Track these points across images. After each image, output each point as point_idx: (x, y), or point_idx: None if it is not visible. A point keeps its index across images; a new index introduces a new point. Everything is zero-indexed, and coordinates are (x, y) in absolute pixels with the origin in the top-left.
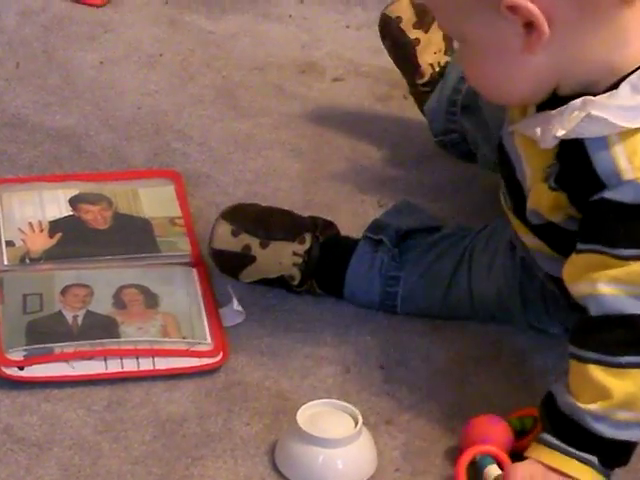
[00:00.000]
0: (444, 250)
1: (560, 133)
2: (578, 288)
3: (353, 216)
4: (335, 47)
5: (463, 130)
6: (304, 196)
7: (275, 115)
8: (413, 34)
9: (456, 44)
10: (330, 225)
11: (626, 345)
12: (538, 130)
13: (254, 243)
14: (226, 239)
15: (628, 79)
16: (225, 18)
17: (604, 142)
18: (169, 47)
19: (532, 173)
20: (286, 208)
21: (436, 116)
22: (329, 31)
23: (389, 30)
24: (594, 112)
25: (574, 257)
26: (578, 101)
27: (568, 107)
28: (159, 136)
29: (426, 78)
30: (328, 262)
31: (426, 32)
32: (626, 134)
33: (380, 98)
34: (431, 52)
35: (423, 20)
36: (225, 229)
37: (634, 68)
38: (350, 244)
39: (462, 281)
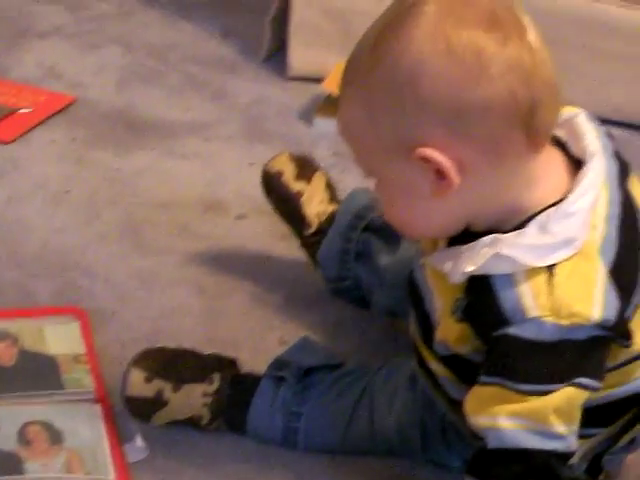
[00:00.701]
0: (345, 387)
1: (469, 269)
2: (478, 420)
3: (256, 353)
4: (239, 185)
5: (356, 277)
6: (207, 333)
7: (179, 252)
8: (296, 186)
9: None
10: (234, 362)
11: (521, 478)
12: (449, 265)
13: (166, 388)
14: (139, 386)
15: (536, 219)
16: (131, 155)
17: (510, 279)
18: (76, 184)
19: (442, 305)
20: (190, 345)
21: (328, 263)
22: (233, 169)
23: (272, 186)
24: (502, 251)
25: (476, 389)
26: (488, 238)
27: (478, 243)
28: (65, 273)
29: (313, 228)
30: (234, 400)
31: (308, 183)
32: (532, 272)
33: (283, 236)
34: (316, 202)
35: (304, 172)
36: (137, 376)
37: (541, 208)
38: (254, 381)
39: (363, 417)
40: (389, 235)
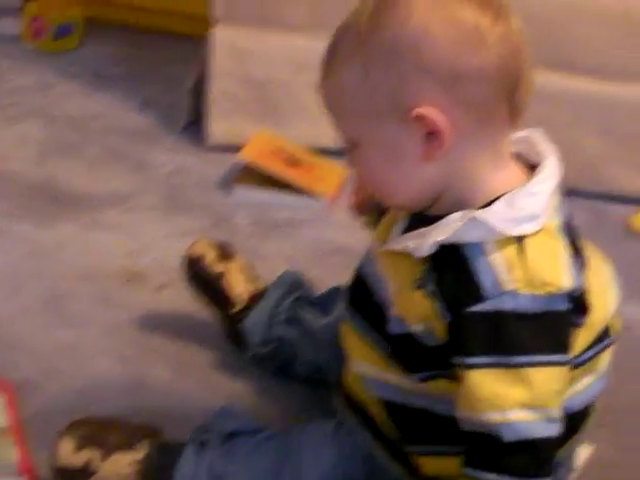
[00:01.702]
0: (269, 448)
1: (440, 238)
2: (486, 417)
3: (181, 420)
4: (160, 255)
5: (281, 342)
6: (133, 402)
7: (102, 323)
8: (218, 268)
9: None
10: (160, 430)
11: (530, 466)
12: (411, 243)
13: (95, 457)
14: (69, 456)
15: (502, 197)
16: (53, 227)
17: (482, 249)
18: None
19: (398, 288)
20: (116, 414)
21: (255, 329)
22: (154, 239)
23: (195, 270)
24: (479, 216)
25: (472, 379)
26: (457, 213)
27: (448, 218)
28: None
29: (238, 306)
30: (161, 466)
31: (229, 264)
32: (503, 243)
33: (204, 306)
34: (238, 281)
35: (225, 253)
36: (67, 446)
37: (504, 192)
38: (179, 447)
39: (288, 477)
40: (320, 304)
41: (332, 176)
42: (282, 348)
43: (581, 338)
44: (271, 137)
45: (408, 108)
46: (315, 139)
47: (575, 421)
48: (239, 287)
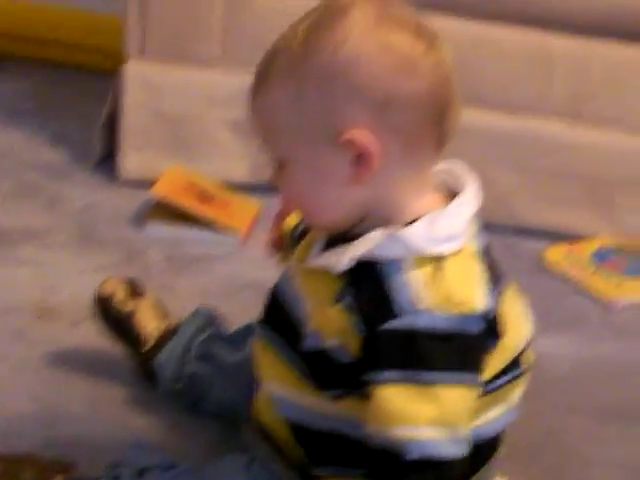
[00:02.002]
0: None
1: (359, 253)
2: (394, 432)
3: (94, 456)
4: (73, 291)
5: (194, 378)
6: (46, 438)
7: (15, 359)
8: (129, 306)
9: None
10: (73, 466)
11: None
12: (331, 259)
13: None
14: None
15: (422, 218)
16: None
17: (400, 266)
18: None
19: (316, 304)
20: (28, 451)
21: (167, 366)
22: (67, 275)
23: (105, 309)
24: (398, 234)
25: (381, 395)
26: (377, 231)
27: (367, 236)
28: None
29: (150, 344)
30: None
31: (139, 302)
32: (420, 262)
33: (116, 342)
34: (149, 319)
35: (135, 291)
36: None
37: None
38: None
39: None
40: (233, 341)
41: (245, 212)
42: (194, 384)
43: (492, 363)
44: (184, 172)
45: (338, 131)
46: (228, 174)
47: (484, 451)
48: (150, 325)
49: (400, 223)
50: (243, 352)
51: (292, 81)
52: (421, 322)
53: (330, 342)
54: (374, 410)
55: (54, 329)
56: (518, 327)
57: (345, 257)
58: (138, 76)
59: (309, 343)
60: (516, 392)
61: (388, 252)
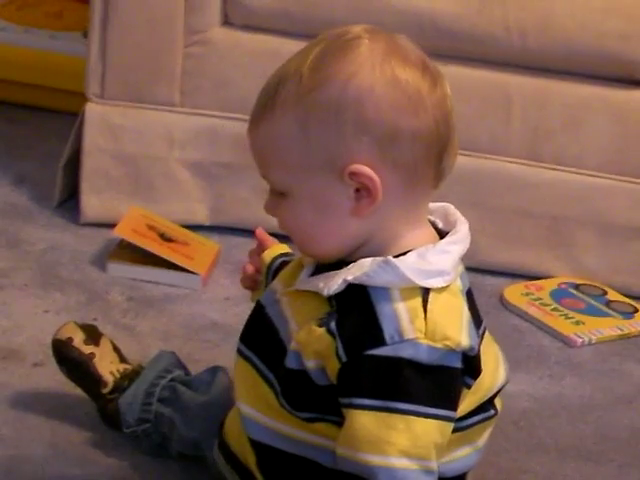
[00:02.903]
0: None
1: (349, 277)
2: (365, 457)
3: None
4: (35, 332)
5: (157, 420)
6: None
7: None
8: (87, 350)
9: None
10: None
11: None
12: (321, 283)
13: None
14: None
15: (415, 250)
16: None
17: (389, 295)
18: None
19: (301, 325)
20: None
21: (131, 407)
22: (29, 316)
23: (64, 352)
24: (392, 261)
25: (355, 419)
26: (368, 259)
27: (358, 262)
28: None
29: (110, 386)
30: None
31: (97, 346)
32: (409, 292)
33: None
34: (108, 362)
35: (92, 336)
36: None
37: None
38: None
39: None
40: (197, 384)
41: (205, 253)
42: (158, 426)
43: (467, 401)
44: (145, 213)
45: (343, 164)
46: (188, 215)
47: None
48: (110, 367)
49: (393, 252)
50: (207, 395)
51: (299, 111)
52: (406, 352)
53: (310, 363)
54: (348, 434)
55: (16, 371)
56: (494, 369)
57: (336, 280)
58: (98, 118)
59: (290, 362)
60: (484, 435)
61: (378, 279)
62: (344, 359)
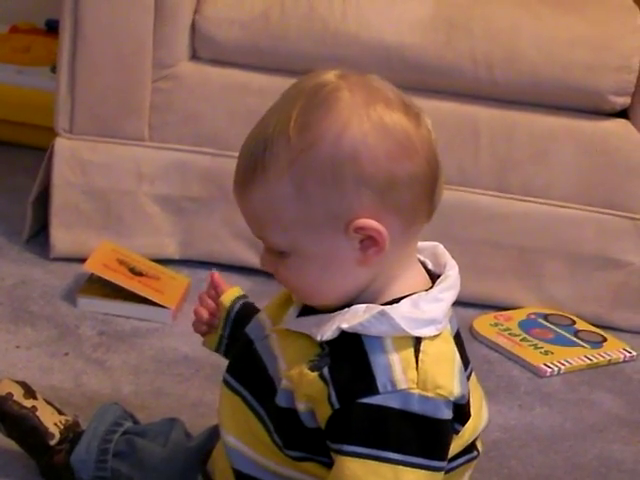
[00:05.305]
0: None
1: (345, 325)
2: None
3: None
4: (6, 368)
5: (113, 474)
6: None
7: None
8: (28, 403)
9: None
10: None
11: None
12: (314, 327)
13: None
14: None
15: (408, 297)
16: None
17: (382, 345)
18: None
19: (291, 365)
20: None
21: (85, 465)
22: (0, 351)
23: (6, 407)
24: (387, 312)
25: (343, 465)
26: (362, 305)
27: (351, 309)
28: None
29: (57, 437)
30: None
31: (36, 399)
32: (401, 343)
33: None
34: (49, 414)
35: (29, 390)
36: None
37: (409, 293)
38: None
39: None
40: (154, 436)
41: (175, 286)
42: None
43: (453, 445)
44: (115, 247)
45: (347, 220)
46: (158, 250)
47: None
48: (53, 419)
49: (385, 297)
50: (167, 447)
51: (294, 173)
52: (398, 402)
53: (301, 405)
54: (337, 478)
55: None
56: (478, 411)
57: (330, 328)
58: (67, 152)
59: (281, 400)
60: (465, 476)
61: (374, 329)
62: (336, 406)
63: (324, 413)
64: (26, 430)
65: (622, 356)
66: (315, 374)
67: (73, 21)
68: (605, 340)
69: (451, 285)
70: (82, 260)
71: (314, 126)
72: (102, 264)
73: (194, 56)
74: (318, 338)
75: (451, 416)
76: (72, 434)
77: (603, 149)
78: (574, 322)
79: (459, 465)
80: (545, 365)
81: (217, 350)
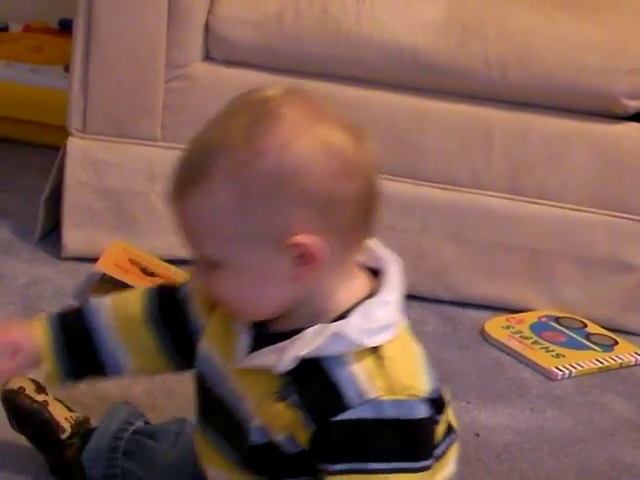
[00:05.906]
0: None
1: (302, 353)
2: None
3: None
4: None
5: (124, 473)
6: None
7: None
8: (40, 397)
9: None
10: None
11: None
12: (269, 360)
13: None
14: None
15: (356, 310)
16: None
17: (341, 361)
18: None
19: (258, 402)
20: None
21: (95, 462)
22: None
23: (17, 402)
24: (341, 331)
25: None
26: (315, 327)
27: (306, 333)
28: None
29: (68, 431)
30: None
31: (47, 395)
32: (360, 355)
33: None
34: (59, 409)
35: (40, 387)
36: None
37: (354, 303)
38: None
39: None
40: (164, 436)
41: None
42: None
43: (439, 431)
44: (127, 247)
45: (283, 234)
46: (170, 250)
47: None
48: (64, 414)
49: (330, 312)
50: (178, 448)
51: (236, 184)
52: (371, 412)
53: (279, 436)
54: None
55: None
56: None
57: (286, 358)
58: (80, 152)
59: (255, 438)
60: (452, 460)
61: (331, 350)
62: (313, 428)
63: (304, 437)
64: (38, 424)
65: (634, 359)
66: (283, 404)
67: (87, 21)
68: (617, 343)
69: (395, 284)
70: (94, 260)
71: (257, 140)
72: (114, 264)
73: (207, 56)
74: (277, 370)
75: (429, 413)
76: (83, 430)
77: (616, 152)
78: (586, 325)
79: (444, 452)
80: (556, 368)
81: (65, 382)
